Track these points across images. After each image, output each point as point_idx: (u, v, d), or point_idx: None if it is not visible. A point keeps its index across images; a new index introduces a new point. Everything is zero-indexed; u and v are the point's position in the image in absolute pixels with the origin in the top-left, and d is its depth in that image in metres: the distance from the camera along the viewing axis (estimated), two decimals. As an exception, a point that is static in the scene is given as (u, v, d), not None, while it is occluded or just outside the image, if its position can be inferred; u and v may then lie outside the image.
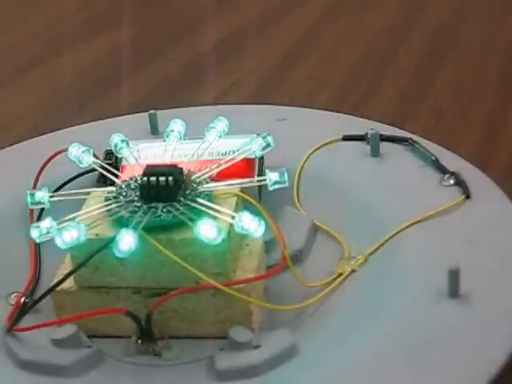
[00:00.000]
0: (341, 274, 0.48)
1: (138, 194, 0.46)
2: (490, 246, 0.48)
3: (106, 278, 0.45)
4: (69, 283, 0.45)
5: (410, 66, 0.79)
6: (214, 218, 0.44)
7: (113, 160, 0.55)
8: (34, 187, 0.53)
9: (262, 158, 0.53)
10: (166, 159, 0.50)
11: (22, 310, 0.46)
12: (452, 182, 0.53)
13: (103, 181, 0.53)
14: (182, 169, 0.47)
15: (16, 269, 0.51)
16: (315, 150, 0.57)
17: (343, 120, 0.62)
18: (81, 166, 0.51)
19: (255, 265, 0.46)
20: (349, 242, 0.50)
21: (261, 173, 0.52)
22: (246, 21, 0.93)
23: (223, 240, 0.43)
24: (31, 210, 0.52)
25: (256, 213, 0.44)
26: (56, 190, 0.53)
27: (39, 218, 0.51)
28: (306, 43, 0.87)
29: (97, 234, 0.44)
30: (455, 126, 0.67)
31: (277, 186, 0.48)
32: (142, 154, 0.53)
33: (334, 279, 0.48)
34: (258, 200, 0.51)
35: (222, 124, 0.51)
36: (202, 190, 0.46)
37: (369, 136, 0.57)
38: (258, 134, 0.50)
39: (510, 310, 0.43)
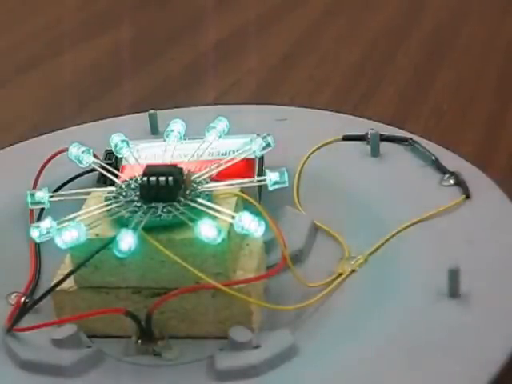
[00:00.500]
0: (341, 274, 0.48)
1: (138, 194, 0.46)
2: (490, 246, 0.48)
3: (106, 278, 0.45)
4: (69, 283, 0.45)
5: (409, 66, 0.79)
6: (214, 217, 0.44)
7: (113, 160, 0.55)
8: (34, 187, 0.53)
9: (262, 158, 0.53)
10: (166, 159, 0.50)
11: (21, 310, 0.46)
12: (452, 181, 0.53)
13: (103, 181, 0.53)
14: (182, 169, 0.47)
15: (16, 269, 0.51)
16: (315, 150, 0.57)
17: (343, 120, 0.62)
18: (81, 166, 0.51)
19: (255, 265, 0.46)
20: (349, 242, 0.50)
21: (261, 173, 0.52)
22: (246, 21, 0.93)
23: (223, 240, 0.43)
24: (31, 210, 0.52)
25: (256, 213, 0.44)
26: (56, 190, 0.53)
27: (39, 218, 0.51)
28: (305, 43, 0.87)
29: (97, 234, 0.44)
30: (455, 126, 0.67)
31: (277, 186, 0.48)
32: (142, 154, 0.53)
33: (334, 279, 0.48)
34: (258, 200, 0.51)
35: (221, 124, 0.51)
36: (201, 190, 0.46)
37: (369, 136, 0.57)
38: (257, 134, 0.50)
39: (510, 310, 0.43)
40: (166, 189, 0.45)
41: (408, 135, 0.58)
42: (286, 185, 0.48)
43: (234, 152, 0.51)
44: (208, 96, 0.75)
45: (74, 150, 0.50)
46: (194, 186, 0.47)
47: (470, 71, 0.77)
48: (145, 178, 0.46)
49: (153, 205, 0.45)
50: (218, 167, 0.48)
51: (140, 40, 0.91)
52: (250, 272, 0.46)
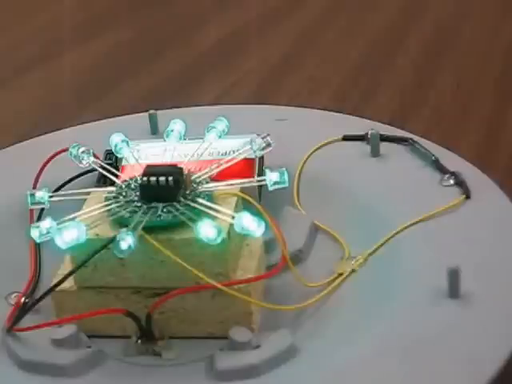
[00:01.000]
0: (341, 274, 0.48)
1: (138, 193, 0.46)
2: (490, 245, 0.48)
3: (106, 278, 0.45)
4: (69, 283, 0.45)
5: (409, 66, 0.79)
6: (214, 218, 0.44)
7: (113, 160, 0.55)
8: (34, 187, 0.53)
9: (262, 158, 0.53)
10: (166, 159, 0.50)
11: (21, 310, 0.46)
12: (452, 182, 0.53)
13: (103, 181, 0.53)
14: (182, 169, 0.47)
15: (16, 269, 0.51)
16: (315, 150, 0.57)
17: (343, 120, 0.62)
18: (81, 166, 0.51)
19: (255, 265, 0.46)
20: (349, 242, 0.50)
21: (261, 173, 0.52)
22: (246, 21, 0.93)
23: (223, 240, 0.43)
24: (31, 210, 0.52)
25: (256, 213, 0.44)
26: (56, 190, 0.53)
27: (39, 218, 0.51)
28: (305, 43, 0.87)
29: (97, 234, 0.44)
30: (455, 126, 0.67)
31: (277, 186, 0.48)
32: (142, 154, 0.53)
33: (334, 279, 0.48)
34: (258, 200, 0.51)
35: (221, 124, 0.51)
36: (201, 190, 0.46)
37: (369, 136, 0.57)
38: (257, 134, 0.50)
39: (510, 310, 0.43)
40: (166, 189, 0.45)
41: (408, 135, 0.58)
42: (286, 185, 0.48)
43: (233, 152, 0.51)
44: (208, 96, 0.75)
45: (74, 150, 0.50)
46: (194, 186, 0.47)
47: (469, 71, 0.77)
48: (145, 178, 0.46)
49: (153, 205, 0.45)
50: (217, 167, 0.48)
51: (140, 40, 0.91)
52: (249, 272, 0.46)
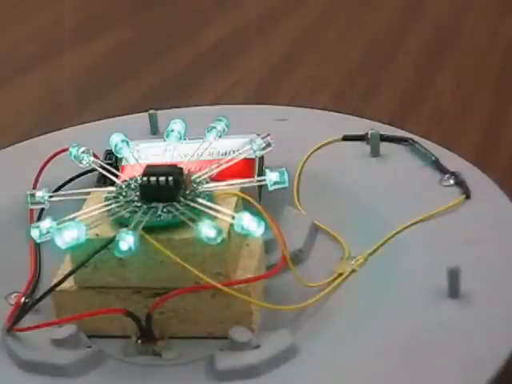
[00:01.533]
0: (341, 274, 0.48)
1: (138, 194, 0.46)
2: (489, 245, 0.48)
3: (106, 278, 0.45)
4: (69, 283, 0.45)
5: (410, 66, 0.79)
6: (214, 217, 0.44)
7: (113, 160, 0.55)
8: (34, 187, 0.53)
9: (262, 158, 0.53)
10: (166, 159, 0.50)
11: (21, 310, 0.46)
12: (452, 182, 0.53)
13: (103, 181, 0.53)
14: (182, 169, 0.47)
15: (16, 269, 0.51)
16: (315, 149, 0.57)
17: (343, 120, 0.62)
18: (81, 166, 0.51)
19: (255, 265, 0.46)
20: (349, 242, 0.50)
21: (261, 173, 0.52)
22: (247, 21, 0.93)
23: (223, 240, 0.43)
24: (31, 210, 0.52)
25: (256, 213, 0.44)
26: (56, 190, 0.53)
27: (39, 218, 0.51)
28: (305, 43, 0.87)
29: (97, 234, 0.44)
30: (455, 126, 0.67)
31: (277, 186, 0.48)
32: (141, 154, 0.53)
33: (334, 279, 0.48)
34: (258, 200, 0.51)
35: (221, 124, 0.51)
36: (201, 190, 0.46)
37: (369, 136, 0.57)
38: (257, 134, 0.50)
39: (510, 310, 0.43)
40: (166, 189, 0.45)
41: (408, 135, 0.58)
42: (286, 185, 0.48)
43: (233, 152, 0.51)
44: (208, 96, 0.75)
45: (74, 150, 0.50)
46: (194, 186, 0.47)
47: (469, 71, 0.77)
48: (145, 178, 0.46)
49: (153, 205, 0.45)
50: (217, 167, 0.48)
51: (140, 40, 0.91)
52: (249, 272, 0.46)
